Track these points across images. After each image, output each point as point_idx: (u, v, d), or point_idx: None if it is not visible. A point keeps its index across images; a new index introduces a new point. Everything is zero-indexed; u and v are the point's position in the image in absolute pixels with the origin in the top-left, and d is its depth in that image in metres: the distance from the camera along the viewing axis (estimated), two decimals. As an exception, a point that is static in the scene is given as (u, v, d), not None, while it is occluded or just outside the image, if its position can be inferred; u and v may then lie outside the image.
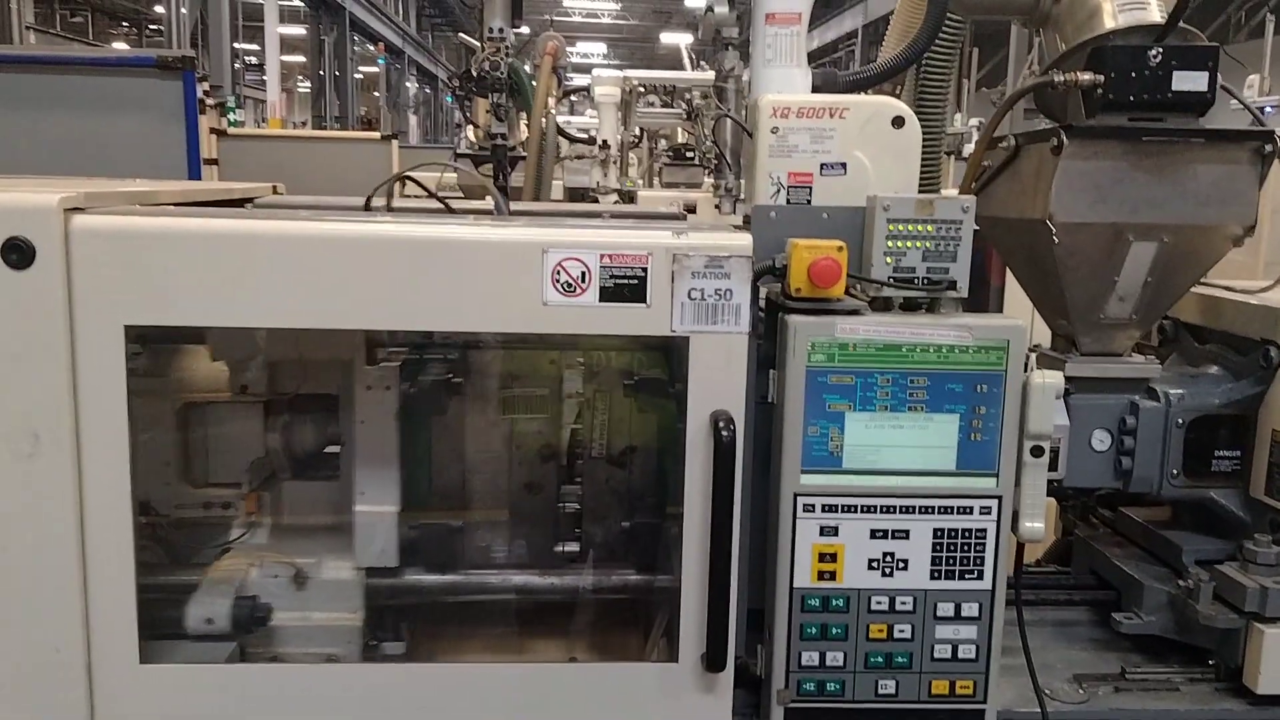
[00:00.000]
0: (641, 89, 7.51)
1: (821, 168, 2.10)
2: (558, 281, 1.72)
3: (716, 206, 3.98)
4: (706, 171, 4.97)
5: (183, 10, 15.77)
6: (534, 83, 5.44)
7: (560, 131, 5.70)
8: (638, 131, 8.64)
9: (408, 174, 2.28)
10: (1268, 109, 11.97)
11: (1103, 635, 2.33)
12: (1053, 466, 2.12)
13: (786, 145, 2.10)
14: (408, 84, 29.05)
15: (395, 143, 6.55)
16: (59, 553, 1.71)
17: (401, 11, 27.26)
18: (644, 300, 1.74)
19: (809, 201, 2.09)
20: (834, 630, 1.88)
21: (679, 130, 9.52)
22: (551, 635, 2.15)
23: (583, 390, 2.15)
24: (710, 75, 6.15)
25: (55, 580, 1.72)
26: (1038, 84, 2.16)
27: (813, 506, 1.86)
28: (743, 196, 2.42)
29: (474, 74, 5.74)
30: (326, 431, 2.09)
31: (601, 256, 1.72)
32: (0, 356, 1.66)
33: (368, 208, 2.13)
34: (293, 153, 6.03)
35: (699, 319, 1.75)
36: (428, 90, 33.49)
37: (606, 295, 1.73)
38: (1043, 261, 2.14)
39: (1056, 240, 2.06)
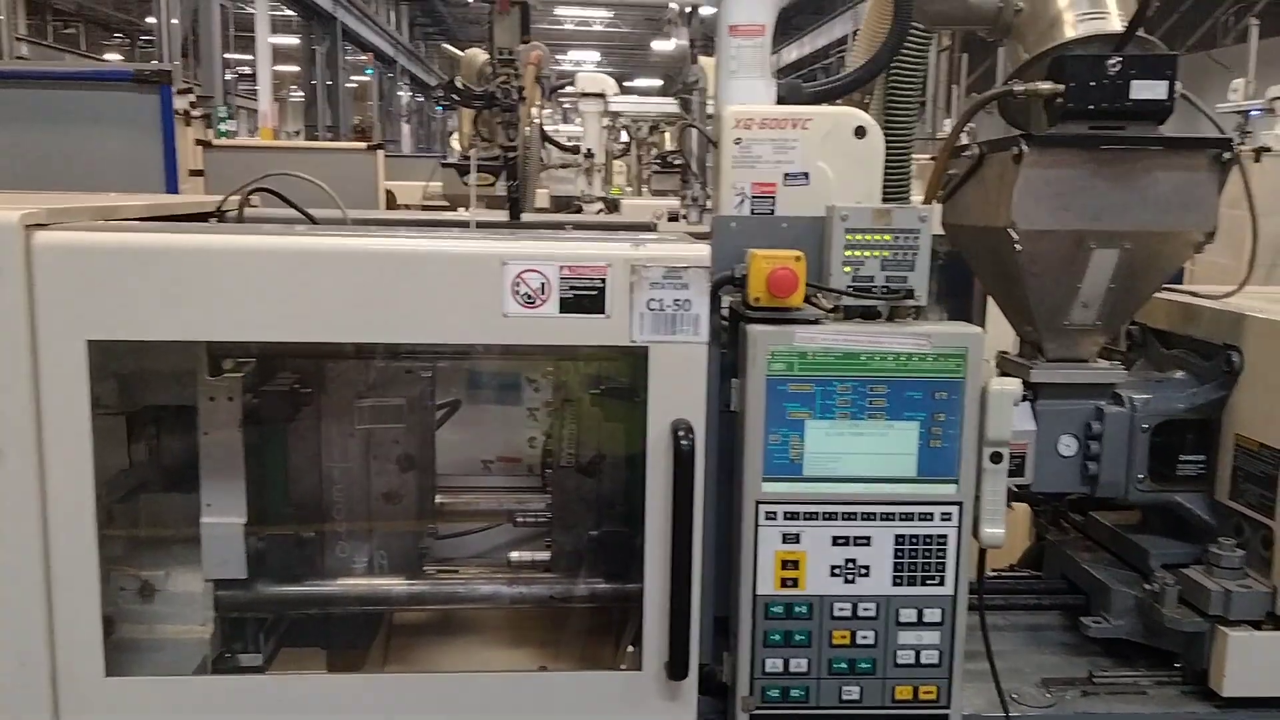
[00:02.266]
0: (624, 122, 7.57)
1: (785, 178, 2.11)
2: (518, 293, 1.74)
3: (684, 216, 4.01)
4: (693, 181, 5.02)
5: (173, 21, 15.79)
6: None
7: (547, 139, 5.73)
8: (625, 139, 8.67)
9: (260, 187, 2.28)
10: (1253, 112, 12.02)
11: (1072, 640, 2.34)
12: (1020, 472, 2.14)
13: (750, 156, 2.11)
14: (400, 93, 29.13)
15: (381, 152, 6.57)
16: (23, 564, 1.72)
17: (394, 21, 27.33)
18: (603, 311, 1.75)
19: (773, 211, 2.11)
20: (797, 637, 1.90)
21: (666, 138, 9.55)
22: (521, 644, 2.16)
23: (565, 399, 2.16)
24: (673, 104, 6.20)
25: (20, 592, 1.73)
26: (998, 93, 2.18)
27: (774, 514, 1.87)
28: (709, 206, 2.44)
29: (458, 85, 5.78)
30: (172, 444, 2.07)
31: (561, 268, 1.74)
32: (-37, 372, 1.67)
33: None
34: (279, 163, 6.00)
35: (658, 329, 1.76)
36: (420, 99, 33.54)
37: (566, 306, 1.75)
38: (1007, 268, 2.16)
39: (1019, 248, 2.08)
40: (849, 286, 1.90)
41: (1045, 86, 2.08)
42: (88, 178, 3.10)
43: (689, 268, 1.75)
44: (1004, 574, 2.59)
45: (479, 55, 5.26)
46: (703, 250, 1.77)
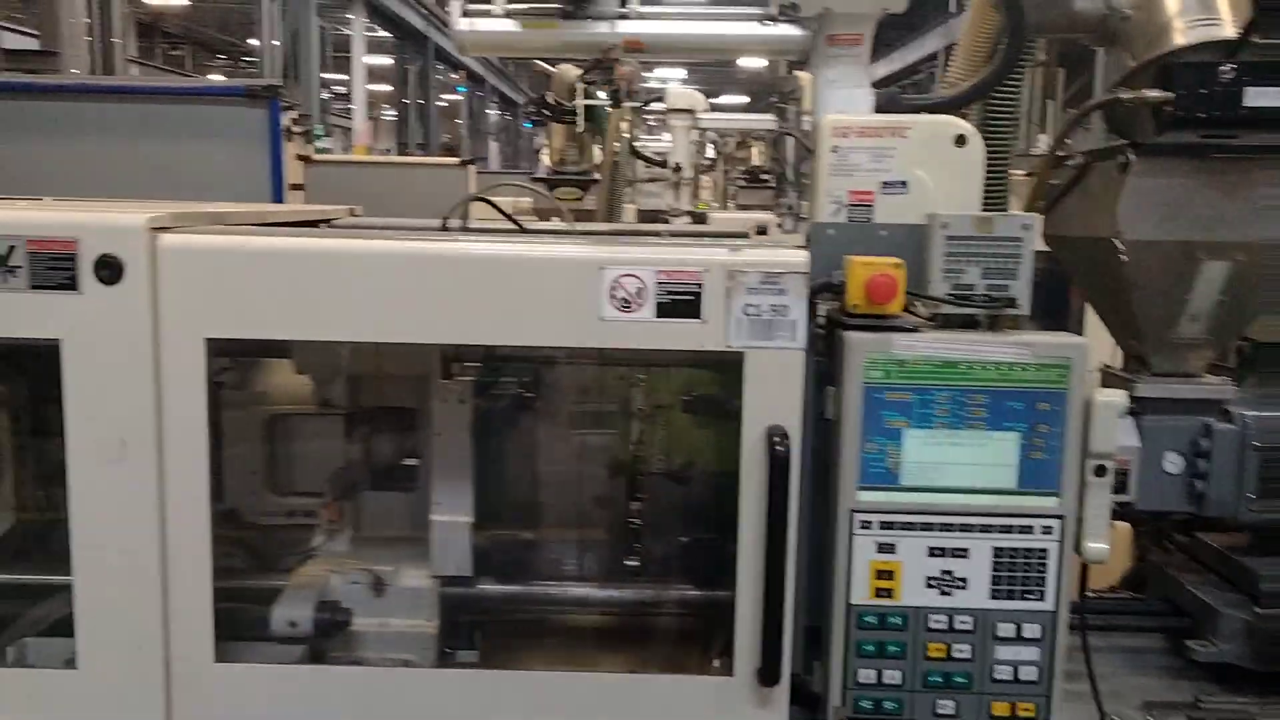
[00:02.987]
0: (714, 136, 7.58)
1: (882, 186, 2.11)
2: (615, 297, 1.76)
3: (779, 225, 3.99)
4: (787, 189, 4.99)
5: (275, 43, 16.31)
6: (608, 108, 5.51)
7: (636, 154, 5.77)
8: (713, 154, 8.69)
9: (480, 196, 2.35)
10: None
11: (1176, 664, 2.27)
12: (1124, 489, 2.09)
13: (847, 164, 2.11)
14: (489, 111, 29.60)
15: (473, 167, 6.69)
16: (142, 554, 1.80)
17: (485, 41, 27.78)
18: (699, 316, 1.77)
19: (869, 220, 2.10)
20: (891, 648, 1.87)
21: (754, 153, 9.55)
22: (615, 648, 2.17)
23: (645, 407, 2.18)
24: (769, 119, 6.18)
25: (138, 580, 1.81)
26: (1104, 102, 2.14)
27: (870, 523, 1.86)
28: (805, 215, 2.44)
29: (549, 100, 5.86)
30: (400, 445, 2.15)
31: (658, 273, 1.76)
32: (92, 366, 1.75)
33: (444, 228, 2.20)
34: (375, 178, 6.20)
35: (754, 335, 1.77)
36: (508, 116, 34.05)
37: (663, 311, 1.77)
38: (1112, 280, 2.11)
39: (1125, 259, 2.04)
40: (948, 295, 1.88)
41: (1153, 94, 2.04)
42: (200, 188, 3.23)
43: (787, 273, 1.76)
44: (1103, 594, 2.52)
45: (570, 71, 5.32)
46: (801, 256, 1.77)
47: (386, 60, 24.80)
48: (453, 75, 27.07)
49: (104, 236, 1.73)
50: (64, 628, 2.00)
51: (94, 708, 1.84)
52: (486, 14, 2.27)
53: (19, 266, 1.73)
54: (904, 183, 2.10)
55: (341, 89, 27.82)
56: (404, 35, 21.95)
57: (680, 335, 1.77)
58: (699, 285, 1.75)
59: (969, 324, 1.91)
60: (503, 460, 2.14)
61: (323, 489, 2.20)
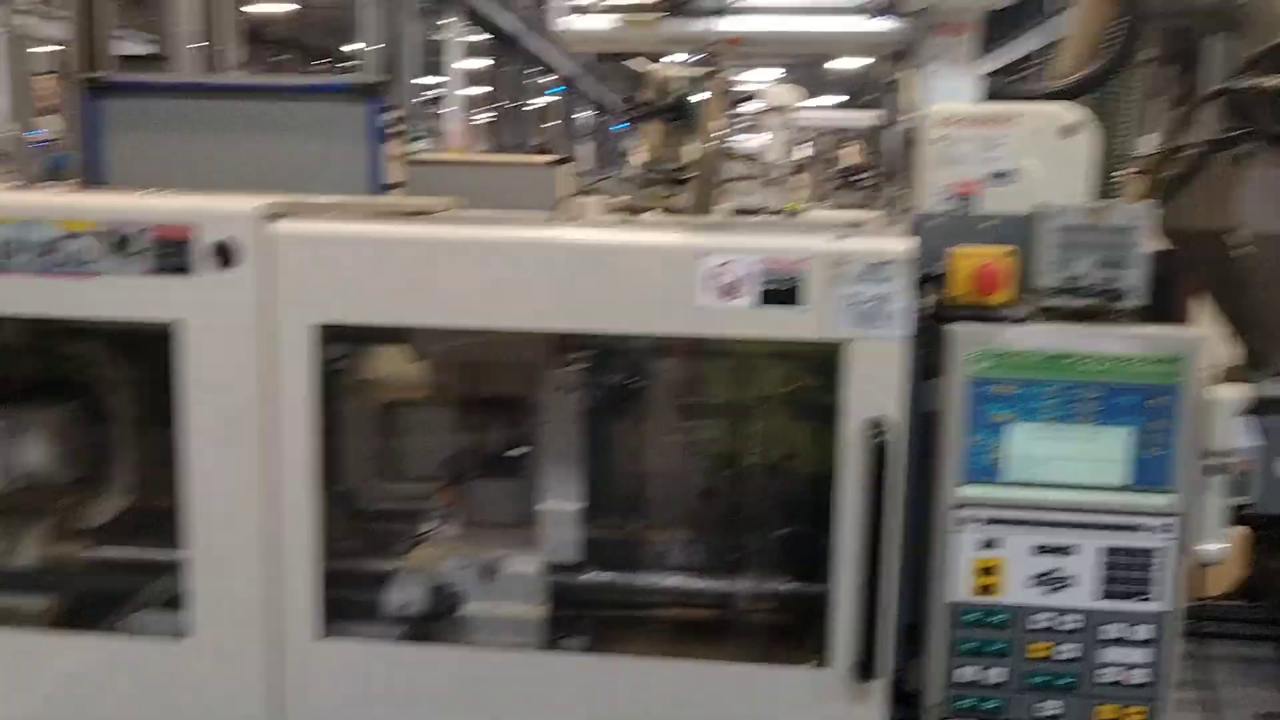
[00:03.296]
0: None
1: (989, 177, 2.06)
2: (714, 285, 1.76)
3: (880, 219, 3.93)
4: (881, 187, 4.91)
5: (374, 47, 16.69)
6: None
7: (729, 153, 5.73)
8: (806, 153, 8.60)
9: (588, 190, 2.37)
10: None
11: (1294, 675, 2.18)
12: (1243, 490, 2.00)
13: (953, 154, 2.06)
14: (581, 113, 29.83)
15: (566, 167, 6.74)
16: (255, 530, 1.85)
17: (577, 43, 28.04)
18: (800, 304, 1.75)
19: (974, 210, 2.06)
20: (993, 647, 1.83)
21: (850, 152, 9.43)
22: (713, 637, 2.17)
23: (748, 398, 2.17)
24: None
25: (251, 556, 1.86)
26: (1222, 90, 2.06)
27: (972, 518, 1.82)
28: (906, 207, 2.40)
29: (643, 99, 5.87)
30: (510, 433, 2.18)
31: (759, 261, 1.75)
32: (208, 348, 1.81)
33: (551, 220, 2.23)
34: (469, 177, 6.26)
35: (856, 324, 1.75)
36: (600, 119, 34.28)
37: (763, 299, 1.75)
38: (1231, 273, 2.04)
39: (1246, 251, 1.96)
40: (1058, 286, 1.83)
41: (1274, 81, 1.96)
42: (304, 183, 3.30)
43: (891, 262, 1.73)
44: (1218, 602, 2.43)
45: (665, 69, 5.32)
46: (905, 245, 1.75)
47: (480, 63, 25.19)
48: (546, 78, 27.37)
49: (220, 223, 1.79)
50: (176, 601, 2.08)
51: (206, 677, 1.91)
52: (587, 11, 2.29)
53: (140, 252, 1.80)
54: (1011, 173, 2.06)
55: (436, 92, 28.38)
56: (499, 38, 22.26)
57: (780, 323, 1.76)
58: (801, 273, 1.74)
59: (1078, 316, 1.85)
60: (609, 450, 2.15)
61: (435, 475, 2.24)
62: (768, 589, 2.13)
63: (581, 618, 2.14)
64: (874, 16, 2.25)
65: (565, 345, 2.10)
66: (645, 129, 6.27)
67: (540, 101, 28.84)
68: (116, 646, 2.02)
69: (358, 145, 3.37)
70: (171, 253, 1.79)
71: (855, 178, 9.30)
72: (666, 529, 2.22)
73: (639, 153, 6.72)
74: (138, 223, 1.79)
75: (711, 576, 2.18)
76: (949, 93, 2.19)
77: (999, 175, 2.06)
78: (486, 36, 22.79)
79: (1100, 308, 1.84)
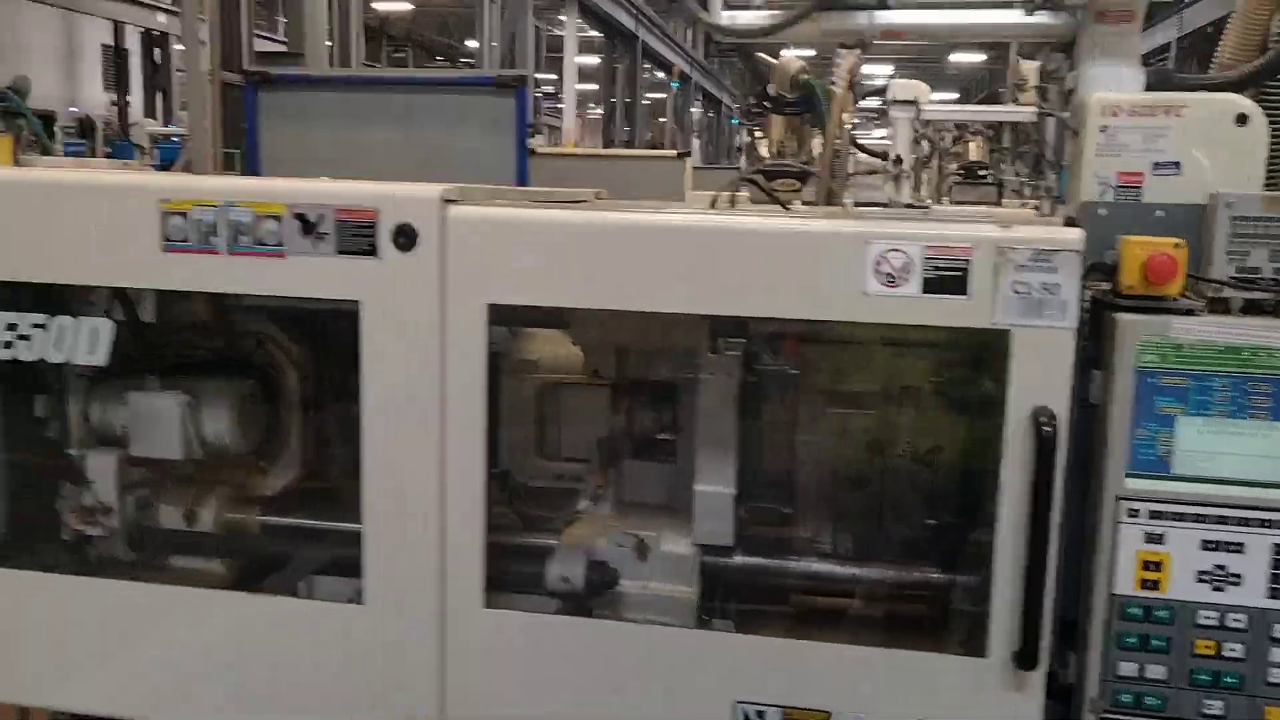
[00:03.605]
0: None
1: (1153, 166, 2.03)
2: (880, 272, 1.77)
3: (1035, 207, 3.86)
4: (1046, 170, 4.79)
5: (493, 44, 17.04)
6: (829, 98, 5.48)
7: (857, 146, 5.69)
8: (926, 149, 8.46)
9: (749, 178, 2.41)
10: None
11: None
12: None
13: (1116, 144, 2.04)
14: (693, 109, 29.87)
15: (689, 160, 6.79)
16: (424, 501, 1.94)
17: (690, 38, 28.09)
18: (966, 292, 1.76)
19: (1138, 200, 2.03)
20: (1155, 642, 1.81)
21: (972, 148, 9.23)
22: (858, 625, 2.19)
23: (899, 386, 2.18)
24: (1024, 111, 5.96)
25: (420, 525, 1.95)
26: None
27: (1137, 511, 1.80)
28: (1063, 197, 2.38)
29: (771, 92, 5.87)
30: (663, 416, 2.24)
31: (925, 248, 1.76)
32: (388, 326, 1.91)
33: (713, 206, 2.27)
34: (594, 170, 6.34)
35: (1023, 313, 1.74)
36: (711, 115, 34.25)
37: (928, 287, 1.77)
38: None
39: None
40: (1232, 277, 1.80)
41: None
42: (451, 173, 3.41)
43: (1060, 251, 1.73)
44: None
45: (792, 63, 5.31)
46: (1075, 234, 1.74)
47: (594, 59, 25.44)
48: (658, 74, 27.49)
49: (402, 207, 1.88)
50: (345, 568, 2.19)
51: (377, 640, 2.01)
52: (746, 6, 2.32)
53: (327, 234, 1.90)
54: (1177, 163, 2.02)
55: (550, 88, 28.75)
56: (613, 34, 22.45)
57: (945, 311, 1.77)
58: (967, 261, 1.75)
59: (1252, 309, 1.82)
60: (760, 435, 2.18)
61: (589, 456, 2.31)
62: (916, 578, 2.14)
63: (730, 600, 2.18)
64: (1033, 11, 2.23)
65: (719, 330, 2.14)
66: (771, 122, 6.28)
67: (651, 96, 28.98)
68: (294, 608, 2.14)
69: (505, 137, 3.47)
70: (357, 235, 1.89)
71: (977, 174, 9.12)
72: (815, 515, 2.24)
73: (764, 146, 6.73)
74: (325, 206, 1.90)
75: (859, 564, 2.20)
76: (1113, 80, 2.16)
77: (1163, 165, 2.03)
78: (597, 35, 23.04)
79: (1275, 300, 1.80)
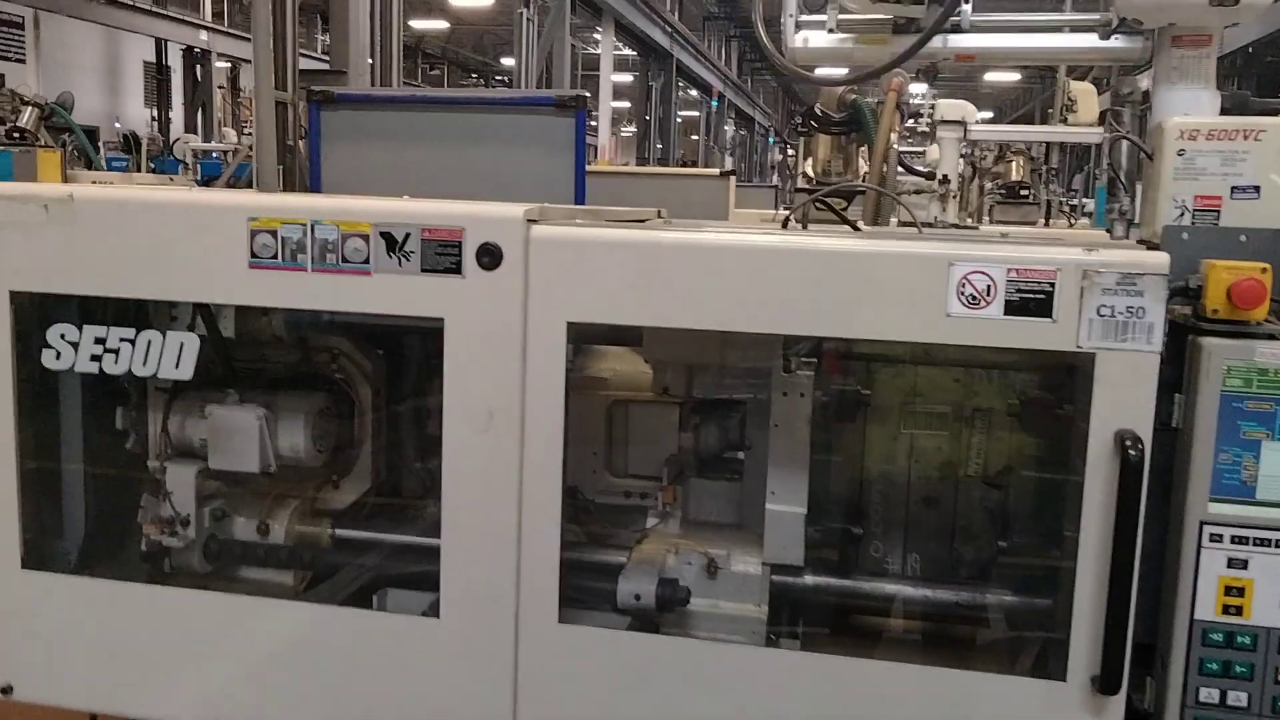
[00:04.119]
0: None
1: (1232, 191, 2.03)
2: (962, 294, 1.78)
3: (1108, 230, 3.87)
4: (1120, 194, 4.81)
5: (530, 62, 17.15)
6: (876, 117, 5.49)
7: (904, 166, 5.71)
8: (968, 170, 8.47)
9: (819, 198, 2.44)
10: None
11: None
12: None
13: (1194, 168, 2.04)
14: (726, 126, 29.98)
15: (733, 179, 6.82)
16: (502, 517, 1.96)
17: (724, 56, 28.22)
18: (1050, 315, 1.76)
19: (1216, 224, 2.03)
20: (1238, 668, 1.80)
21: (1013, 167, 9.23)
22: (929, 647, 2.18)
23: (972, 408, 2.19)
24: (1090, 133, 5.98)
25: (497, 541, 1.97)
26: None
27: (1220, 537, 1.79)
28: (1137, 220, 2.37)
29: (818, 111, 5.90)
30: (732, 434, 2.25)
31: (1008, 270, 1.76)
32: (471, 342, 1.93)
33: (785, 226, 2.29)
34: (640, 188, 6.40)
35: (1107, 336, 1.74)
36: (744, 133, 34.34)
37: (1011, 309, 1.77)
38: None
39: None
40: (1318, 303, 1.79)
41: None
42: (511, 192, 3.44)
43: (1145, 274, 1.73)
44: None
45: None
46: (1161, 258, 1.74)
47: (628, 78, 25.60)
48: (693, 92, 27.63)
49: (487, 226, 1.91)
50: (418, 582, 2.21)
51: (451, 654, 2.02)
52: (820, 29, 2.35)
53: (413, 252, 1.93)
54: (1257, 188, 2.02)
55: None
56: (648, 52, 22.58)
57: (1029, 334, 1.77)
58: (1051, 284, 1.75)
59: (1338, 335, 1.81)
60: (831, 454, 2.19)
61: (657, 473, 2.32)
62: (987, 600, 2.14)
63: (798, 619, 2.19)
64: (1108, 36, 2.24)
65: (791, 349, 2.15)
66: (817, 141, 6.31)
67: (684, 114, 29.09)
68: (369, 621, 2.16)
69: (564, 156, 3.50)
70: (441, 253, 1.92)
71: (1019, 193, 9.10)
72: (885, 535, 2.25)
73: (811, 164, 6.75)
74: (411, 225, 1.93)
75: (929, 585, 2.20)
76: (1189, 103, 2.16)
77: (1241, 190, 2.03)
78: (631, 53, 23.18)
79: (1363, 327, 1.79)
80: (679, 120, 27.20)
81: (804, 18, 2.44)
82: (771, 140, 34.44)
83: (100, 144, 13.61)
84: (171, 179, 11.67)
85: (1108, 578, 1.75)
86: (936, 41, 2.27)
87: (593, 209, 2.56)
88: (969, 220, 7.90)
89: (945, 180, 6.31)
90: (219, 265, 2.00)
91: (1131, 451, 1.71)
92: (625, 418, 2.37)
